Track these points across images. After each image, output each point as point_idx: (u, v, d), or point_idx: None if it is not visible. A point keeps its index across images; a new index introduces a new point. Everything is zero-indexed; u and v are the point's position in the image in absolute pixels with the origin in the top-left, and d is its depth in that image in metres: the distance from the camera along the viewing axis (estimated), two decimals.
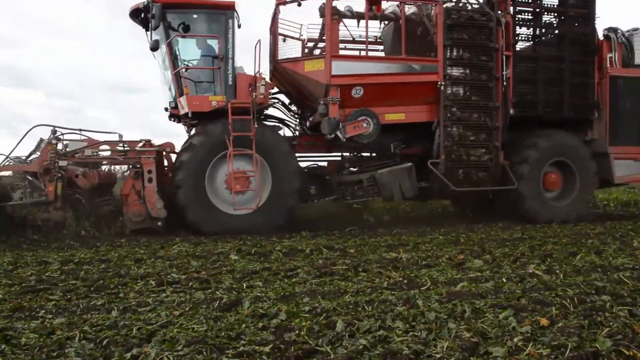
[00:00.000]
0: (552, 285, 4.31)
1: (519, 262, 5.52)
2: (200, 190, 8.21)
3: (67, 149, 8.11)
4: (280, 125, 9.83)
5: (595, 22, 9.70)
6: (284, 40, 9.23)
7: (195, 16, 8.74)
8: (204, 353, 2.85)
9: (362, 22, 9.27)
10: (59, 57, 57.15)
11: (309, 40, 10.06)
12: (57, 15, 63.37)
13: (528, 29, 9.52)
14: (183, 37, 8.66)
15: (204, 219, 8.22)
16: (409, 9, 9.43)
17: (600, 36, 9.96)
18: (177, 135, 54.70)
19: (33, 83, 59.58)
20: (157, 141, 8.67)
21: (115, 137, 8.92)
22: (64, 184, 7.87)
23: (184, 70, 8.54)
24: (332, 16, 8.68)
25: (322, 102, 8.57)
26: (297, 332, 3.19)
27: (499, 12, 9.24)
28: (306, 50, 10.11)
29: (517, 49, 9.50)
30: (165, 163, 9.00)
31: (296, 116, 10.23)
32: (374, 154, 9.88)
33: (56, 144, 8.03)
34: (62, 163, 7.92)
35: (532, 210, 9.38)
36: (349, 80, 8.59)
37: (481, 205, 10.72)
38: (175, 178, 8.24)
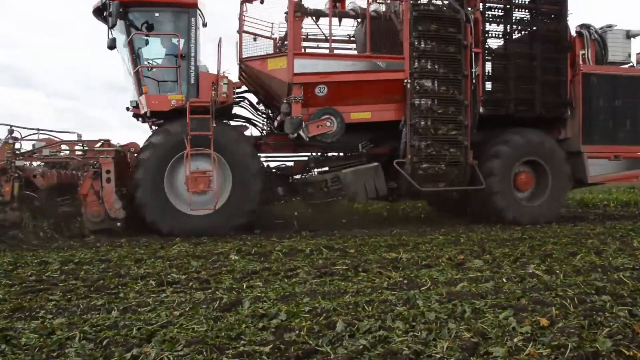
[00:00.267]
0: (552, 285, 4.30)
1: (519, 262, 5.51)
2: (158, 190, 8.09)
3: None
4: (247, 125, 9.73)
5: (568, 18, 9.60)
6: (255, 39, 9.02)
7: (157, 14, 8.68)
8: (204, 353, 2.85)
9: (322, 19, 9.18)
10: (59, 57, 57.25)
11: (281, 39, 9.84)
12: (57, 15, 63.47)
13: (498, 25, 9.37)
14: (145, 35, 8.60)
15: (162, 219, 8.11)
16: (374, 6, 9.30)
17: (573, 33, 9.82)
18: None
19: (33, 83, 59.71)
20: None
21: (74, 137, 8.88)
22: (21, 184, 7.74)
23: (144, 69, 8.46)
24: (294, 13, 8.59)
25: (285, 101, 8.49)
26: (297, 332, 3.19)
27: (469, 8, 9.11)
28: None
29: (487, 46, 9.32)
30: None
31: (264, 115, 10.12)
32: (341, 154, 9.66)
33: (13, 143, 7.90)
34: (19, 163, 7.79)
35: (500, 208, 9.18)
36: (313, 78, 8.48)
37: (455, 205, 10.54)
38: (134, 177, 8.15)
